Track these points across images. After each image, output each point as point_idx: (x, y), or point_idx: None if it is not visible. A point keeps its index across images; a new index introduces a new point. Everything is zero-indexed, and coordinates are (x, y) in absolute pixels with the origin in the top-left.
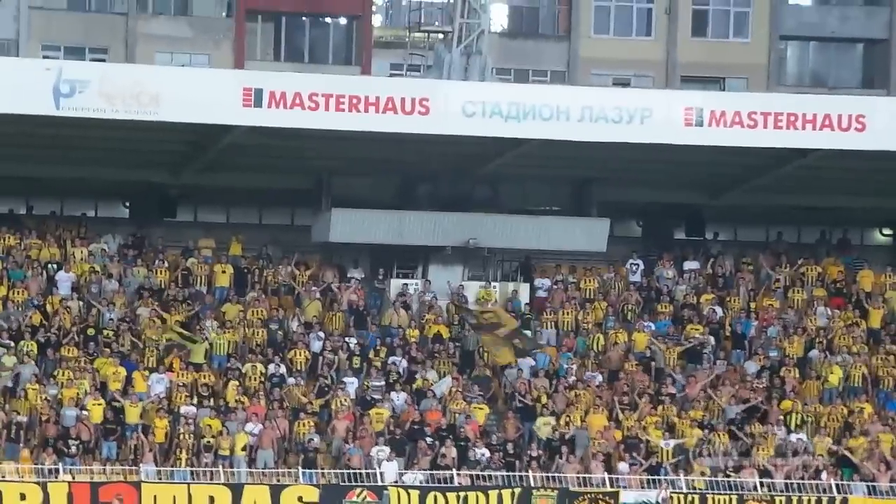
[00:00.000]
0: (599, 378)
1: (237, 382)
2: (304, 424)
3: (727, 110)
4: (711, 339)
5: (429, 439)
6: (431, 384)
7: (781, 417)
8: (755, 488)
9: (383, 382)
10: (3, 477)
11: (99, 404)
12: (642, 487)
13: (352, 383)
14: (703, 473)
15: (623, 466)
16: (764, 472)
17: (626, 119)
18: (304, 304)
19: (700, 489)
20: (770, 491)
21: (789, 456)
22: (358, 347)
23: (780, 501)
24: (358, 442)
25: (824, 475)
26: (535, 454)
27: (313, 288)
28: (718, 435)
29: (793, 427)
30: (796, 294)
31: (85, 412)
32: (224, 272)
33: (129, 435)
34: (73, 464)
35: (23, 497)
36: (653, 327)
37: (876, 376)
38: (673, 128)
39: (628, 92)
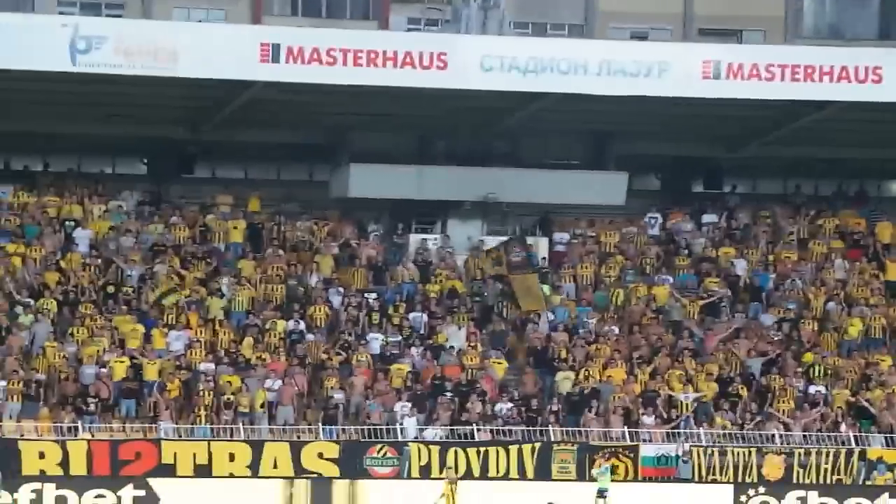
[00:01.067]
0: (618, 332)
1: (256, 339)
2: (324, 381)
3: (745, 63)
4: (728, 292)
5: (448, 394)
6: (449, 339)
7: (800, 370)
8: (774, 441)
9: (402, 338)
10: (23, 435)
11: (121, 361)
12: (662, 441)
13: (375, 339)
14: (723, 427)
15: (643, 420)
16: (783, 425)
17: (643, 72)
18: (320, 259)
19: (720, 442)
20: (789, 443)
21: (808, 408)
22: (377, 303)
23: (800, 454)
24: (379, 398)
25: (843, 427)
26: (555, 409)
27: (332, 243)
28: (737, 388)
29: (812, 379)
30: (814, 246)
31: (104, 370)
32: (237, 228)
33: (147, 392)
34: (93, 422)
35: (42, 455)
36: (672, 281)
37: (894, 328)
38: (691, 81)
39: (646, 45)
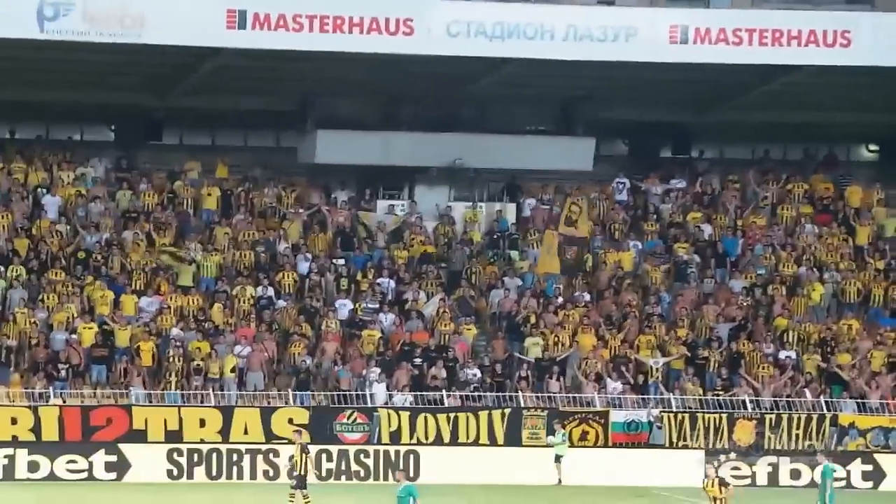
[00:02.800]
0: (587, 297)
1: (224, 305)
2: (294, 346)
3: (712, 27)
4: (697, 257)
5: (417, 360)
6: (419, 305)
7: (769, 335)
8: (745, 406)
9: (377, 305)
10: None
11: (90, 328)
12: (632, 407)
13: (344, 305)
14: (692, 392)
15: (613, 385)
16: (753, 391)
17: (611, 37)
18: (288, 225)
19: (690, 408)
20: (759, 409)
21: (777, 373)
22: (345, 269)
23: (770, 419)
24: (349, 365)
25: (807, 392)
26: (524, 374)
27: (300, 210)
28: (707, 353)
29: (783, 345)
30: (784, 211)
31: (74, 336)
32: (210, 195)
33: (118, 358)
34: (64, 388)
35: (14, 421)
36: (640, 246)
37: (865, 293)
38: (658, 46)
39: (613, 10)
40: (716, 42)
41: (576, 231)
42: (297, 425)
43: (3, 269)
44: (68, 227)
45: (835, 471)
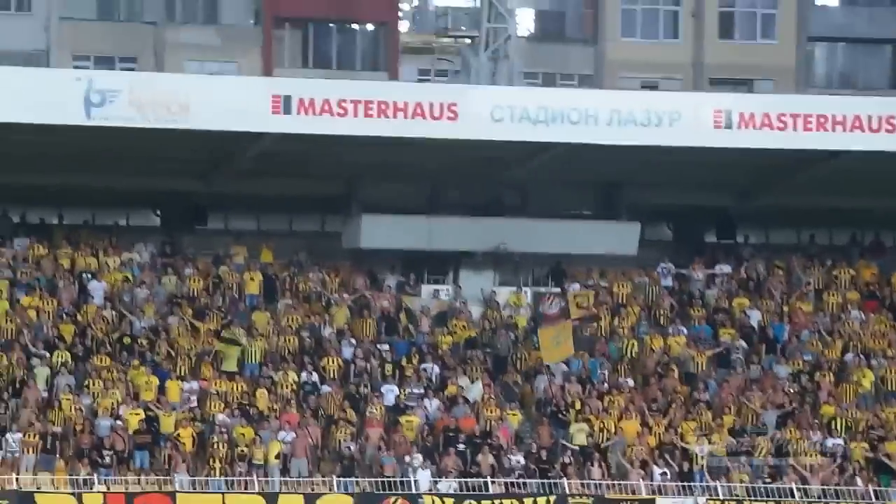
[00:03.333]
0: (631, 383)
1: (269, 390)
2: (338, 432)
3: (756, 112)
4: (743, 343)
5: (461, 446)
6: (463, 391)
7: (816, 422)
8: (792, 495)
9: (422, 390)
10: (39, 488)
11: (136, 414)
12: (678, 494)
13: (390, 391)
14: (741, 480)
15: (658, 472)
16: (801, 479)
17: (654, 122)
18: (333, 310)
19: (737, 496)
20: (807, 497)
21: (825, 462)
22: (389, 354)
23: None
24: (391, 451)
25: (858, 481)
26: (567, 461)
27: (344, 295)
28: (753, 440)
29: (830, 432)
30: (830, 297)
31: (119, 422)
32: (253, 279)
33: (162, 444)
34: (108, 474)
35: None
36: (685, 332)
37: None
38: (702, 130)
39: (657, 95)
40: (760, 127)
41: (589, 311)
42: None
43: (48, 355)
44: (114, 313)
45: None
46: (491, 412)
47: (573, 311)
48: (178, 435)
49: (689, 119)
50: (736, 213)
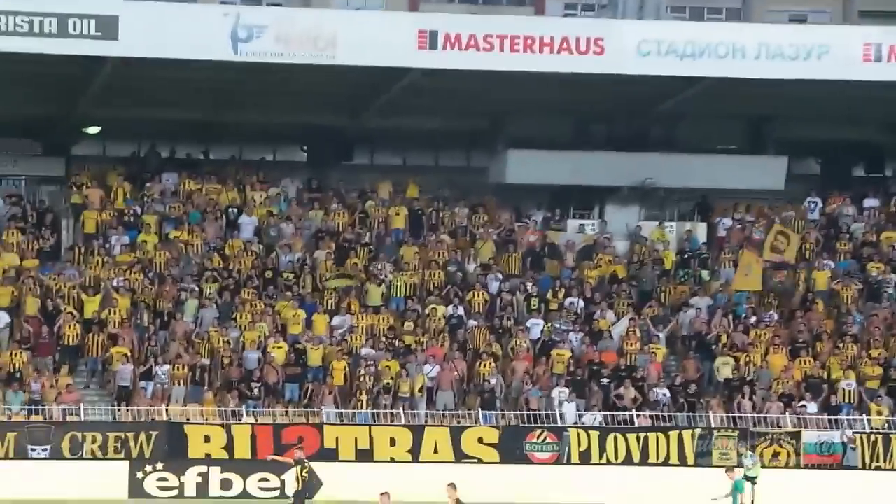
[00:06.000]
0: (777, 317)
1: (415, 324)
2: (483, 366)
3: None
4: (893, 276)
5: (605, 381)
6: (609, 325)
7: None
8: None
9: (570, 325)
10: (189, 419)
11: (281, 347)
12: (825, 428)
13: (536, 325)
14: (879, 413)
15: (805, 406)
16: None
17: (803, 56)
18: (478, 245)
19: (882, 429)
20: None
21: None
22: (535, 289)
23: None
24: (538, 384)
25: None
26: (714, 394)
27: (490, 230)
28: None
29: None
30: None
31: (270, 354)
32: (399, 214)
33: (309, 378)
34: (256, 406)
35: (207, 439)
36: (832, 265)
37: None
38: (851, 63)
39: (805, 28)
40: None
41: (782, 257)
42: (486, 444)
43: (197, 288)
44: (261, 247)
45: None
46: (635, 346)
47: (766, 253)
48: (329, 368)
49: (838, 52)
50: (885, 146)
